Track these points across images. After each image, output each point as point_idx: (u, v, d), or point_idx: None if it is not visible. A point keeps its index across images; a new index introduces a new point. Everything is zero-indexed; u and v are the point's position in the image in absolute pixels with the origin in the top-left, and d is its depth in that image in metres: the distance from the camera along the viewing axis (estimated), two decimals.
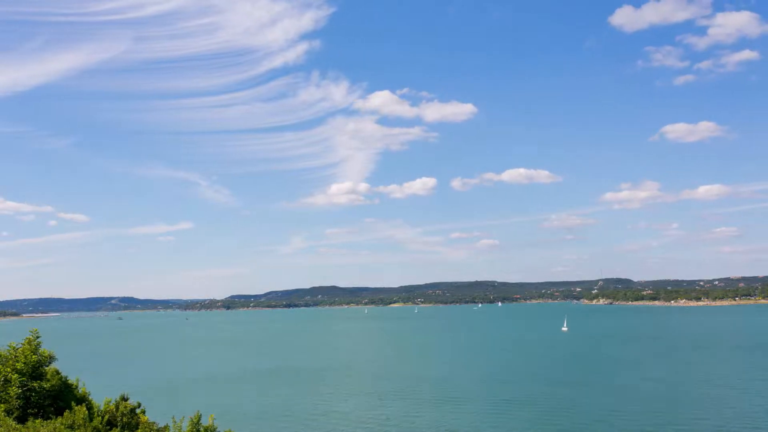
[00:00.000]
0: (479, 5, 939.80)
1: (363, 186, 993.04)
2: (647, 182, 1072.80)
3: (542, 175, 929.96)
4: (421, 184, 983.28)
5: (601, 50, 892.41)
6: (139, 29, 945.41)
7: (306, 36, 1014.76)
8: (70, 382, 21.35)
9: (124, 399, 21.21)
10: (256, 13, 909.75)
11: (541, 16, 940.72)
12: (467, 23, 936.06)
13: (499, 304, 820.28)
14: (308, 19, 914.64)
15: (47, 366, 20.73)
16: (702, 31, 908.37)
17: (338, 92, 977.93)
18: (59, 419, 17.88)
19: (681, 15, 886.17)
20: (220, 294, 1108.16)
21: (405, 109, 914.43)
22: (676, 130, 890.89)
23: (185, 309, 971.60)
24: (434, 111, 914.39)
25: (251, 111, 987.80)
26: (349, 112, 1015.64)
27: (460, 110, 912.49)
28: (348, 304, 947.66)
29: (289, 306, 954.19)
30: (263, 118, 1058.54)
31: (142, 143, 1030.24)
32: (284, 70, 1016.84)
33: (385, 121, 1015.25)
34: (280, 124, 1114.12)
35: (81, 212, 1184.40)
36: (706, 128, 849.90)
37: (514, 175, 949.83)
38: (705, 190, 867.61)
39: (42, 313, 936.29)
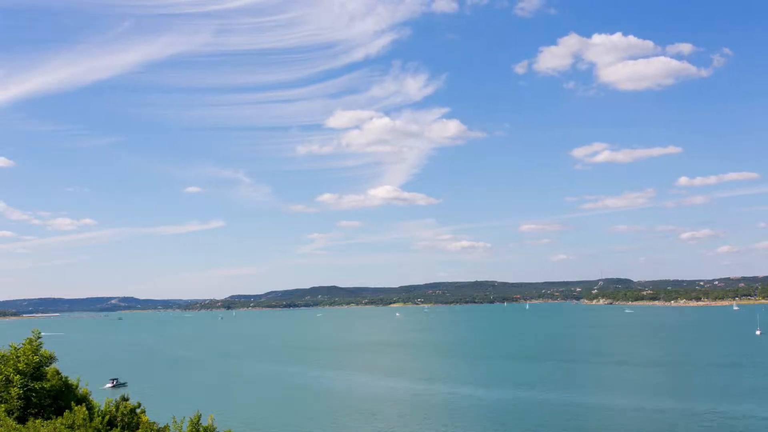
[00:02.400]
0: None
1: (383, 190, 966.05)
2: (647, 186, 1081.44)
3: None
4: (429, 189, 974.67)
5: None
6: (223, 21, 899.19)
7: (398, 25, 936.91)
8: (70, 381, 21.44)
9: (125, 399, 21.28)
10: (351, 5, 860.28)
11: None
12: None
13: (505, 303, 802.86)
14: (406, 7, 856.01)
15: (48, 366, 20.82)
16: None
17: (415, 84, 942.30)
18: (59, 419, 17.94)
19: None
20: (221, 294, 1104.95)
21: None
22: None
23: (185, 309, 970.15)
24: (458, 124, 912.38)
25: (311, 107, 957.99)
26: (417, 105, 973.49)
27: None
28: (348, 304, 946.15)
29: (289, 306, 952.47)
30: (322, 116, 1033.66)
31: (189, 140, 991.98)
32: (364, 63, 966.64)
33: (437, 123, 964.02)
34: (338, 121, 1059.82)
35: (105, 213, 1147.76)
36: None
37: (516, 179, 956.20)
38: (693, 198, 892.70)
39: (42, 313, 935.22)
